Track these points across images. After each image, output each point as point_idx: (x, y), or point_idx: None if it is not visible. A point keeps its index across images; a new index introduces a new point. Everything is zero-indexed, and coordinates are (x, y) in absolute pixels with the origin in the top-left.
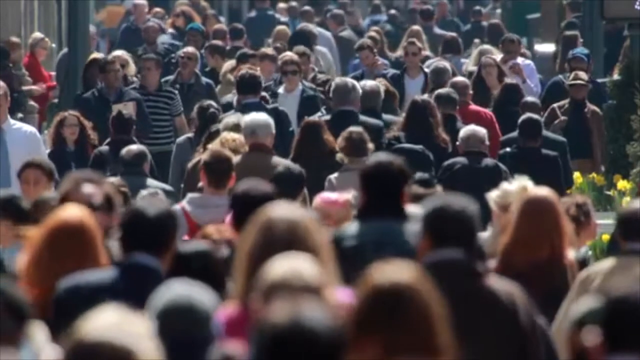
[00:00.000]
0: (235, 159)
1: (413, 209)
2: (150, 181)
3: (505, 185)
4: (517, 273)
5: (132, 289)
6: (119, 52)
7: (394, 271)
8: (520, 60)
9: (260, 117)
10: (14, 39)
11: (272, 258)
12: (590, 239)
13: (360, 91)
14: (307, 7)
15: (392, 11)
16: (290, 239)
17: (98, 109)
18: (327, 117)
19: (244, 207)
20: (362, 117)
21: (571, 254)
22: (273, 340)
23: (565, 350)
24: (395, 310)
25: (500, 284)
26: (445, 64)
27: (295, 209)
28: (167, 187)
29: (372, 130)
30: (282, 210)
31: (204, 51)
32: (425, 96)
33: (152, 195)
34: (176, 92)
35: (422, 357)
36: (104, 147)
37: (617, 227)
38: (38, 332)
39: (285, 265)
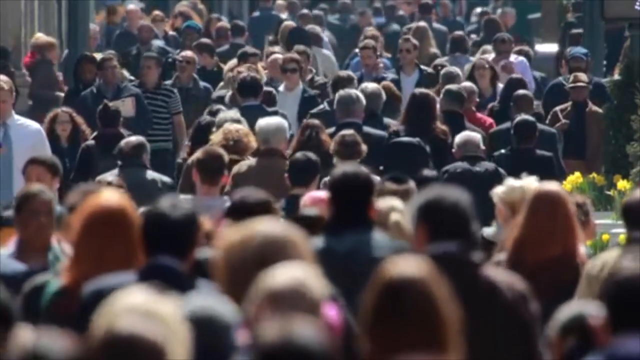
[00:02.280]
0: (249, 162)
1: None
2: (150, 173)
3: (510, 182)
4: (528, 269)
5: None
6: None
7: (405, 265)
8: (512, 57)
9: (273, 121)
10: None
11: (251, 273)
12: (589, 238)
13: (364, 102)
14: (305, 11)
15: (401, 12)
16: (267, 256)
17: (96, 107)
18: (332, 129)
19: (240, 215)
20: (366, 128)
21: (583, 250)
22: (265, 358)
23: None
24: (402, 303)
25: (499, 275)
26: (457, 69)
27: (277, 224)
28: (167, 179)
29: (376, 141)
30: (262, 226)
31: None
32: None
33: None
34: (175, 90)
35: (429, 351)
36: (91, 142)
37: (621, 217)
38: (25, 336)
39: (288, 276)
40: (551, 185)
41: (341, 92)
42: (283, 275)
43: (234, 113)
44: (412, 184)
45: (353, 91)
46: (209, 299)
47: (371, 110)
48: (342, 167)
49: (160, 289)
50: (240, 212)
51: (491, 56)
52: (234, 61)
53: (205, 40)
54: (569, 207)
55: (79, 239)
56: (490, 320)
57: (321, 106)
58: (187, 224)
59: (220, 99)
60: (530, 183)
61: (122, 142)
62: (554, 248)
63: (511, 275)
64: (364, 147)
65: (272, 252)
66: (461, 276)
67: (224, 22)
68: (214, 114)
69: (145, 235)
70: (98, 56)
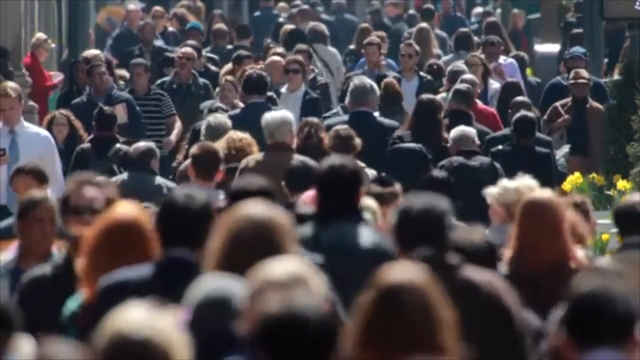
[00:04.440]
0: (256, 157)
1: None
2: (158, 179)
3: (505, 182)
4: (526, 277)
5: (170, 284)
6: (95, 51)
7: (401, 271)
8: (501, 59)
9: (278, 115)
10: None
11: (240, 255)
12: (590, 237)
13: (378, 92)
14: (305, 7)
15: (411, 11)
16: (256, 237)
17: (88, 114)
18: (345, 117)
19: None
20: (379, 118)
21: (580, 253)
22: (267, 329)
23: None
24: (397, 309)
25: (477, 274)
26: (463, 65)
27: (266, 207)
28: (173, 185)
29: (388, 131)
30: (252, 208)
31: None
32: (432, 95)
33: None
34: (165, 93)
35: (426, 355)
36: (86, 145)
37: (614, 222)
38: (24, 345)
39: (286, 268)
40: (541, 193)
41: (355, 80)
42: (281, 267)
43: (224, 117)
44: (398, 186)
45: (367, 81)
46: (223, 281)
47: None
48: (330, 159)
49: (160, 303)
50: (240, 199)
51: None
52: (229, 65)
53: (190, 42)
54: (559, 212)
55: (94, 252)
56: (472, 321)
57: (334, 110)
58: (203, 215)
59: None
60: (525, 184)
61: (131, 148)
62: (547, 255)
63: (490, 273)
64: (358, 141)
65: (257, 233)
66: (438, 279)
67: (221, 25)
68: (213, 112)
69: (161, 226)
70: (94, 52)
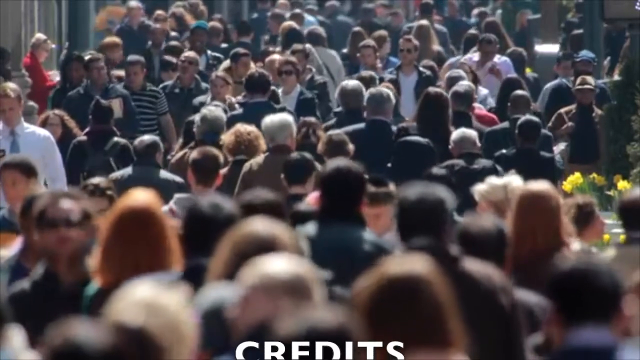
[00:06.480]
0: (258, 161)
1: None
2: (163, 172)
3: (493, 180)
4: (523, 266)
5: (195, 293)
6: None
7: (407, 263)
8: (496, 58)
9: (277, 118)
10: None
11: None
12: (595, 237)
13: (394, 101)
14: (297, 10)
15: (417, 13)
16: (260, 255)
17: (83, 107)
18: (362, 125)
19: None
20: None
21: (575, 245)
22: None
23: None
24: (408, 301)
25: (476, 267)
26: (461, 72)
27: (271, 225)
28: (179, 179)
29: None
30: (257, 226)
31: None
32: (438, 89)
33: None
34: (161, 91)
35: (433, 347)
36: (83, 137)
37: (619, 217)
38: (15, 337)
39: (285, 264)
40: (536, 184)
41: (372, 90)
42: (280, 263)
43: (219, 111)
44: (392, 186)
45: (384, 90)
46: (228, 291)
47: (353, 108)
48: (335, 162)
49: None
50: (247, 214)
51: (476, 55)
52: (227, 63)
53: (175, 43)
54: (554, 203)
55: (106, 240)
56: (470, 313)
57: (339, 109)
58: (229, 225)
59: (202, 104)
60: (513, 181)
61: (136, 141)
62: (543, 244)
63: (491, 268)
64: (352, 147)
65: (261, 251)
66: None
67: (216, 23)
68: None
69: (188, 236)
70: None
